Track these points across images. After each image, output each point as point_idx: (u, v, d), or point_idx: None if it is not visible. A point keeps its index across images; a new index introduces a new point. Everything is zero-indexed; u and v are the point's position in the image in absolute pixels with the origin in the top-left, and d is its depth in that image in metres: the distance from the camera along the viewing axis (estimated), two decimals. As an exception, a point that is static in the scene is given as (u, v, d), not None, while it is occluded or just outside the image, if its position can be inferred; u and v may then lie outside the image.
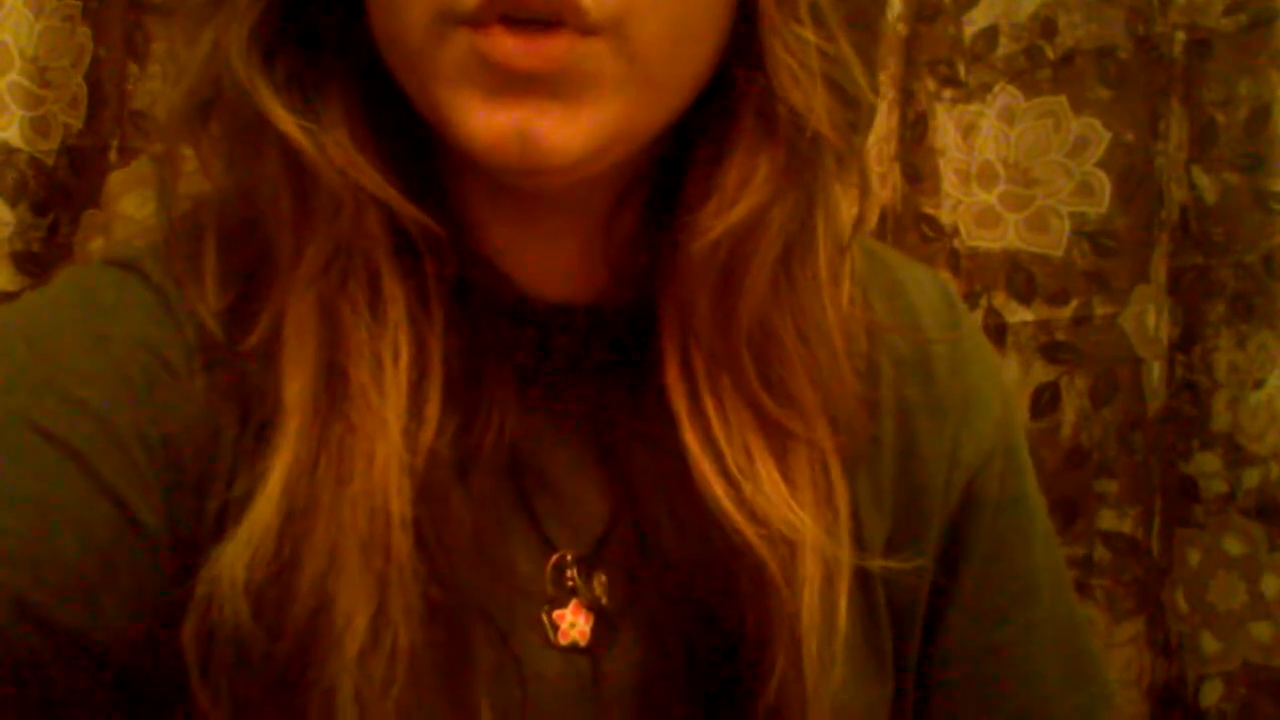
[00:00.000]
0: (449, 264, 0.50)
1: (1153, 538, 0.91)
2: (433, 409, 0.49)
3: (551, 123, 0.45)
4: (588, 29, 0.44)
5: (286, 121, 0.47)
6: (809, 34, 0.47)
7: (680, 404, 0.50)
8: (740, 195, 0.49)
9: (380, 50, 0.48)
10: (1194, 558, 0.90)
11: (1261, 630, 0.88)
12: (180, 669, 0.47)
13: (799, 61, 0.47)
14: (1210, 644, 0.89)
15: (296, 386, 0.48)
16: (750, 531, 0.49)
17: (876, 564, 0.54)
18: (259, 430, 0.49)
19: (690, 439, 0.50)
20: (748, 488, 0.50)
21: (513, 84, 0.44)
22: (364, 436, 0.47)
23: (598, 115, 0.45)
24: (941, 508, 0.57)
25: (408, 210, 0.48)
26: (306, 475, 0.47)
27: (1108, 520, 0.90)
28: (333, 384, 0.48)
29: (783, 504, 0.50)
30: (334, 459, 0.47)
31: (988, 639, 0.58)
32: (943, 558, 0.57)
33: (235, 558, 0.46)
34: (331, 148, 0.48)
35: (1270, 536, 0.87)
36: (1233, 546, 0.88)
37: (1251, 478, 0.87)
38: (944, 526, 0.57)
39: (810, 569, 0.50)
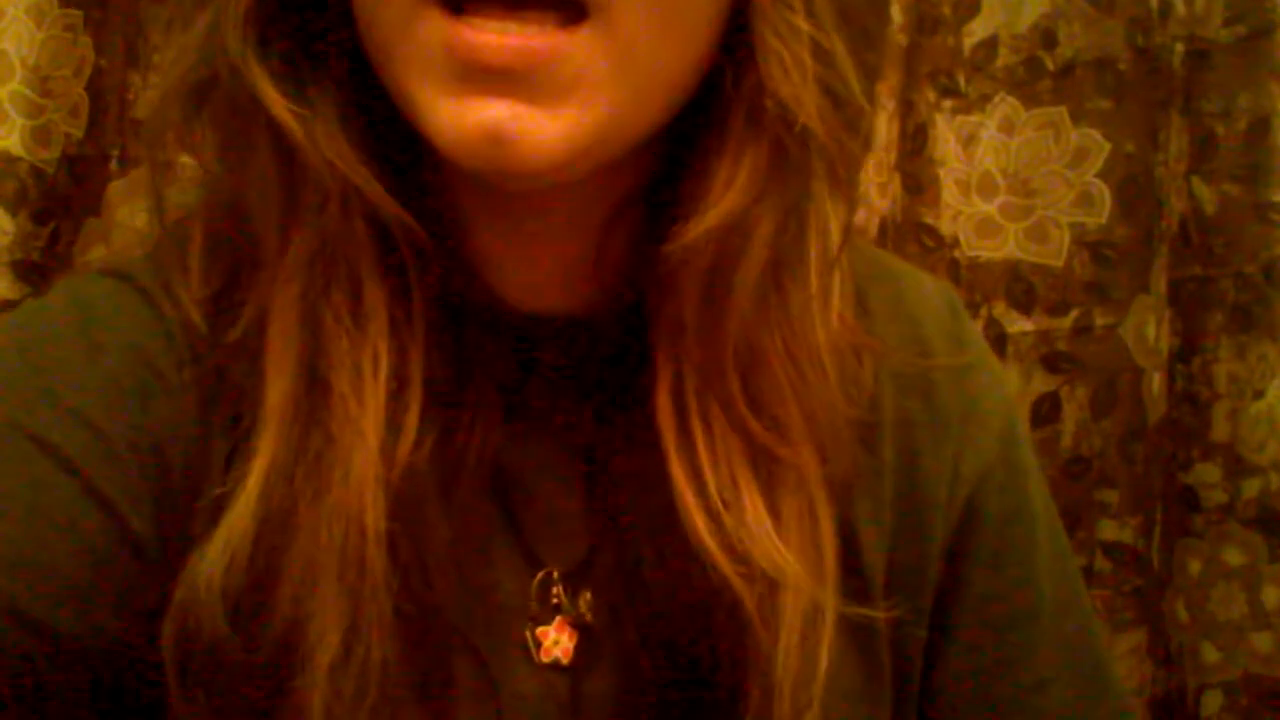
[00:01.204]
0: (433, 272, 0.49)
1: (1153, 548, 0.91)
2: (411, 421, 0.48)
3: (528, 124, 0.43)
4: (573, 12, 0.42)
5: (277, 104, 0.46)
6: (801, 22, 0.45)
7: (668, 432, 0.49)
8: (726, 191, 0.47)
9: (361, 40, 0.47)
10: (1194, 568, 0.90)
11: (1262, 640, 0.87)
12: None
13: (790, 53, 0.45)
14: (1211, 654, 0.89)
15: (277, 391, 0.47)
16: (729, 569, 0.48)
17: (871, 612, 0.53)
18: (244, 435, 0.48)
19: (676, 470, 0.49)
20: (730, 522, 0.48)
21: (484, 80, 0.43)
22: (342, 448, 0.47)
23: (580, 115, 0.43)
24: (944, 521, 0.56)
25: (392, 209, 0.47)
26: (284, 484, 0.47)
27: (1108, 530, 0.90)
28: (313, 391, 0.48)
29: (766, 540, 0.49)
30: (311, 470, 0.47)
31: (992, 654, 0.57)
32: (945, 572, 0.57)
33: (212, 562, 0.46)
34: (321, 136, 0.47)
35: (1270, 547, 0.87)
36: (1233, 557, 0.88)
37: (1251, 488, 0.87)
38: (946, 540, 0.56)
39: (790, 610, 0.48)
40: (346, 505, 0.46)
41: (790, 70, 0.45)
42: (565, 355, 0.52)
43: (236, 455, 0.48)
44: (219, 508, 0.47)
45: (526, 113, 0.43)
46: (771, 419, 0.50)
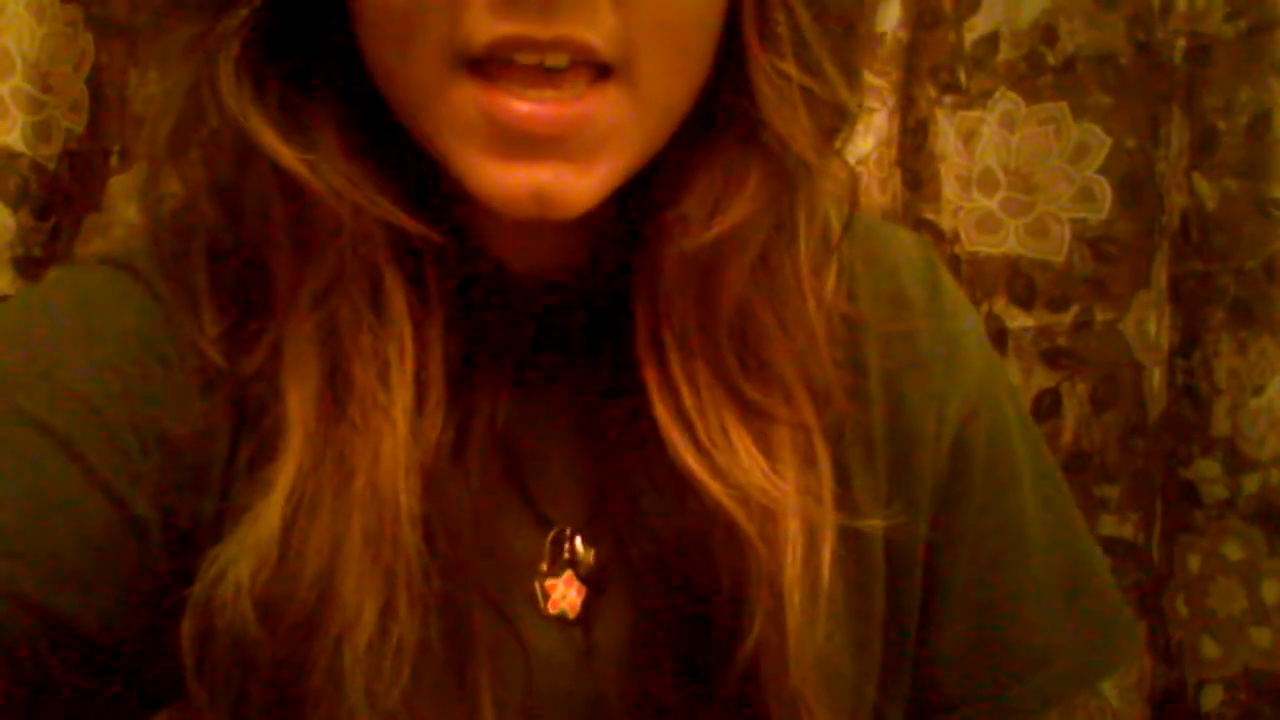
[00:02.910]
0: (448, 263, 0.50)
1: (1153, 543, 0.91)
2: (435, 403, 0.49)
3: (568, 183, 0.45)
4: (599, 68, 0.44)
5: (285, 154, 0.47)
6: (791, 68, 0.48)
7: (650, 377, 0.51)
8: (731, 203, 0.49)
9: (383, 91, 0.48)
10: (1194, 563, 0.90)
11: (1261, 635, 0.88)
12: (179, 664, 0.47)
13: (780, 94, 0.48)
14: (1210, 649, 0.89)
15: (299, 396, 0.48)
16: (722, 494, 0.50)
17: (868, 524, 0.54)
18: (259, 436, 0.49)
19: (660, 411, 0.51)
20: (722, 458, 0.50)
21: (525, 146, 0.45)
22: (371, 435, 0.48)
23: (613, 164, 0.46)
24: (932, 463, 0.57)
25: (411, 226, 0.49)
26: (312, 477, 0.47)
27: (1108, 526, 0.90)
28: (337, 388, 0.48)
29: (758, 471, 0.50)
30: (339, 459, 0.47)
31: (983, 593, 0.58)
32: (936, 514, 0.58)
33: (239, 561, 0.46)
34: (331, 173, 0.48)
35: (1270, 542, 0.87)
36: (1233, 552, 0.88)
37: (1251, 483, 0.87)
38: (936, 482, 0.58)
39: (791, 529, 0.50)
40: (378, 487, 0.47)
41: (783, 108, 0.48)
42: (566, 321, 0.53)
43: (252, 453, 0.49)
44: (239, 508, 0.47)
45: (567, 172, 0.45)
46: (762, 377, 0.52)
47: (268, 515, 0.46)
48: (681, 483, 0.50)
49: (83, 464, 0.47)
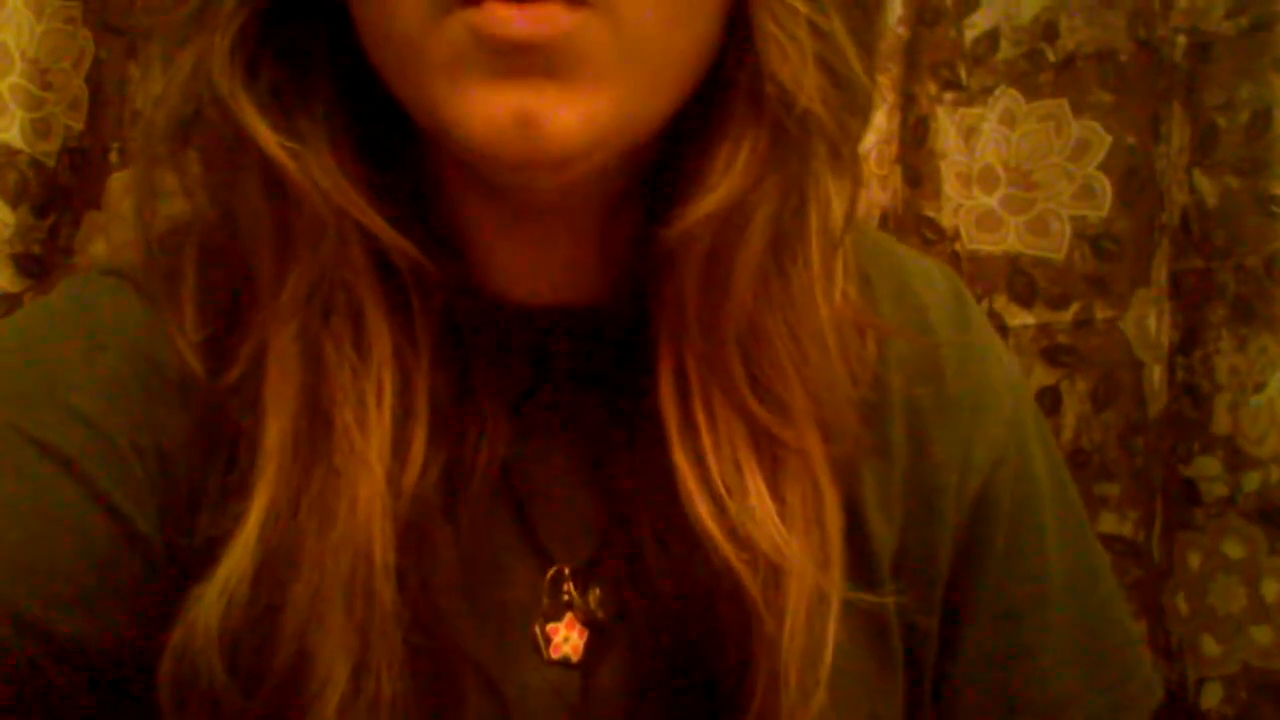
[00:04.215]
0: (435, 294, 0.49)
1: (1153, 541, 0.91)
2: (418, 447, 0.48)
3: (551, 105, 0.42)
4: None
5: (268, 139, 0.46)
6: (798, 3, 0.45)
7: (671, 419, 0.49)
8: (721, 180, 0.46)
9: (369, 52, 0.47)
10: (1194, 561, 0.90)
11: (1261, 633, 0.87)
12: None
13: (788, 34, 0.45)
14: (1210, 647, 0.89)
15: (276, 429, 0.47)
16: (732, 554, 0.48)
17: (875, 597, 0.53)
18: (243, 467, 0.48)
19: (679, 456, 0.49)
20: (733, 507, 0.48)
21: (510, 61, 0.42)
22: (347, 481, 0.46)
23: (597, 97, 0.43)
24: (955, 512, 0.56)
25: (391, 238, 0.47)
26: (287, 520, 0.46)
27: (1108, 523, 0.90)
28: (315, 426, 0.47)
29: (769, 524, 0.48)
30: (316, 504, 0.46)
31: (1003, 645, 0.57)
32: (958, 563, 0.56)
33: (210, 605, 0.45)
34: (315, 168, 0.46)
35: (1270, 540, 0.87)
36: (1233, 550, 0.88)
37: (1252, 481, 0.87)
38: (958, 530, 0.56)
39: (794, 594, 0.48)
40: (354, 538, 0.45)
41: (789, 52, 0.45)
42: (572, 349, 0.52)
43: (236, 485, 0.48)
44: (215, 547, 0.46)
45: (549, 91, 0.42)
46: (774, 400, 0.49)
47: (239, 557, 0.46)
48: (689, 536, 0.48)
49: (85, 481, 0.47)
